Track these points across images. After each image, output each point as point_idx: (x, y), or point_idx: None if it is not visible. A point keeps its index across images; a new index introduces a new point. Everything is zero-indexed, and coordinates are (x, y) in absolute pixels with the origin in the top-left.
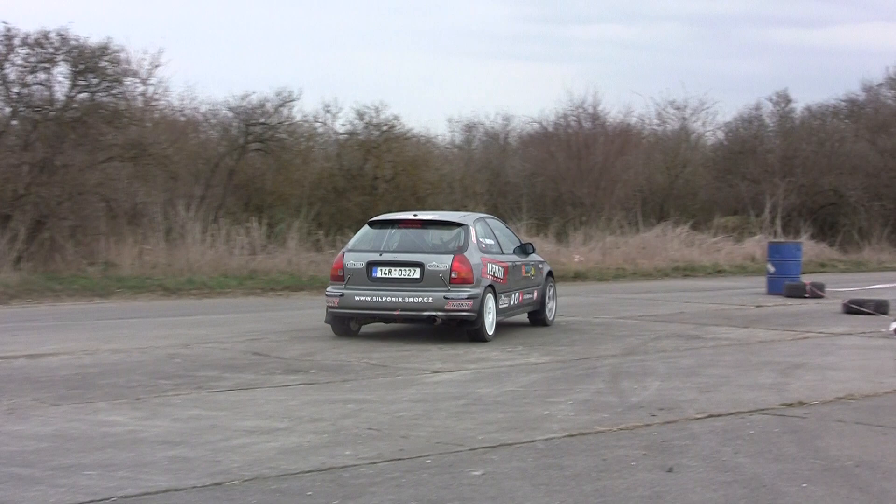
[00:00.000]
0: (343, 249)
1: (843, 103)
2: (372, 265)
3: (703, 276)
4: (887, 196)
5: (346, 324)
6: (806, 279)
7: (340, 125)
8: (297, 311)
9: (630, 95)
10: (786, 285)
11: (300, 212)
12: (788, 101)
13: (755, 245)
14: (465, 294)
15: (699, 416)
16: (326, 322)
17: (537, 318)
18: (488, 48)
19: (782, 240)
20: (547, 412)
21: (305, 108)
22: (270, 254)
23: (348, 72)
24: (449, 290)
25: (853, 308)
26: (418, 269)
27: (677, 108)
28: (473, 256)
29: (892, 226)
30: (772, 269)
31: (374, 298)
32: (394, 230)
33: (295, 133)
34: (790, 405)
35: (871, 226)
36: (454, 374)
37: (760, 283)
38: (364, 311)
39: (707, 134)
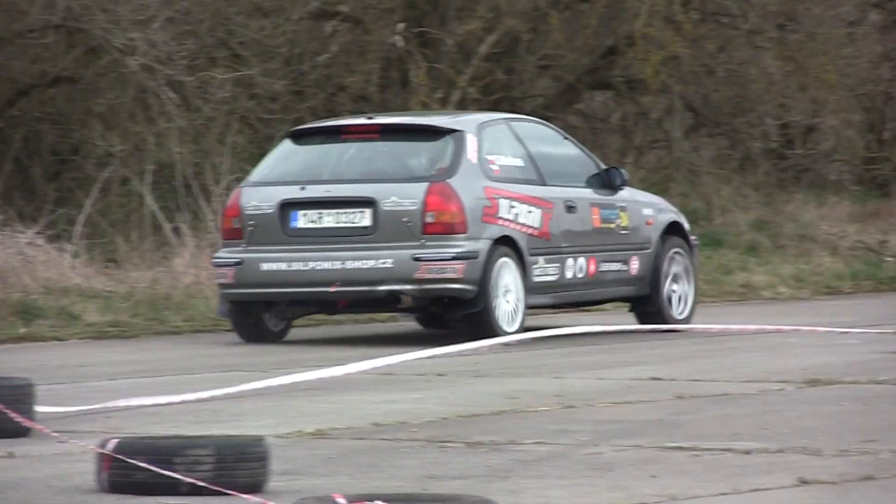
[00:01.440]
0: (241, 184)
1: None
2: (289, 208)
3: None
4: None
5: (259, 317)
6: None
7: None
8: None
9: None
10: None
11: None
12: None
13: None
14: (451, 252)
15: None
16: (220, 314)
17: (645, 310)
18: None
19: None
20: None
21: None
22: None
23: None
24: (422, 246)
25: (128, 479)
26: (368, 212)
27: None
28: (468, 186)
29: None
30: None
31: (295, 266)
32: (331, 146)
33: None
34: None
35: None
36: None
37: None
38: (277, 289)
39: None
